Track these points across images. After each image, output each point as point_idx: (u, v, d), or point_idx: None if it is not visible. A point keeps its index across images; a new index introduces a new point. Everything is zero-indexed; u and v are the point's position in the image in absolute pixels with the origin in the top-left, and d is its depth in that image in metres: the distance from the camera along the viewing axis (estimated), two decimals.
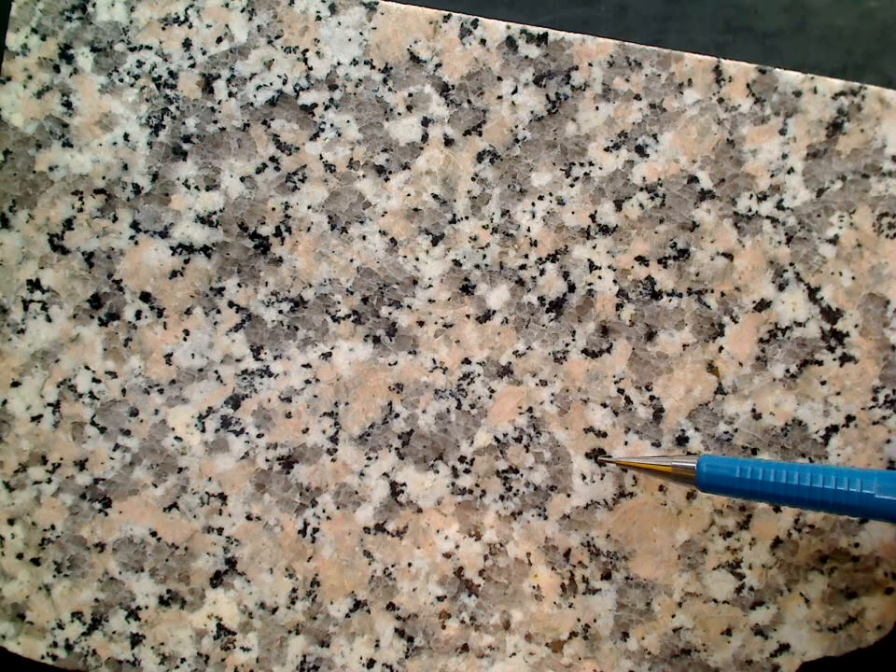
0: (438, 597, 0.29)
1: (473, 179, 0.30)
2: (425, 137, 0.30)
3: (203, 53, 0.30)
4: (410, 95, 0.30)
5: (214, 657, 0.30)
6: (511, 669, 0.29)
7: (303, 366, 0.30)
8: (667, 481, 0.27)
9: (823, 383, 0.29)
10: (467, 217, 0.30)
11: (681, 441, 0.29)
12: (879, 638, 0.29)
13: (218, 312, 0.30)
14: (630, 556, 0.29)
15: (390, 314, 0.30)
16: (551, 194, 0.29)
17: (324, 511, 0.30)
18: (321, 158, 0.30)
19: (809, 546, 0.29)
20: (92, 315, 0.30)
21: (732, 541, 0.29)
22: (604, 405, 0.29)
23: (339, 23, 0.30)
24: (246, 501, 0.30)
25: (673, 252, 0.29)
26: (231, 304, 0.30)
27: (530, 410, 0.29)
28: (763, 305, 0.29)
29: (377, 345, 0.30)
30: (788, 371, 0.29)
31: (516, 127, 0.29)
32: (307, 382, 0.30)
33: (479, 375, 0.30)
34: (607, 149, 0.29)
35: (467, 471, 0.30)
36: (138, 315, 0.30)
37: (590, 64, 0.29)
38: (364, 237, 0.30)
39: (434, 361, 0.30)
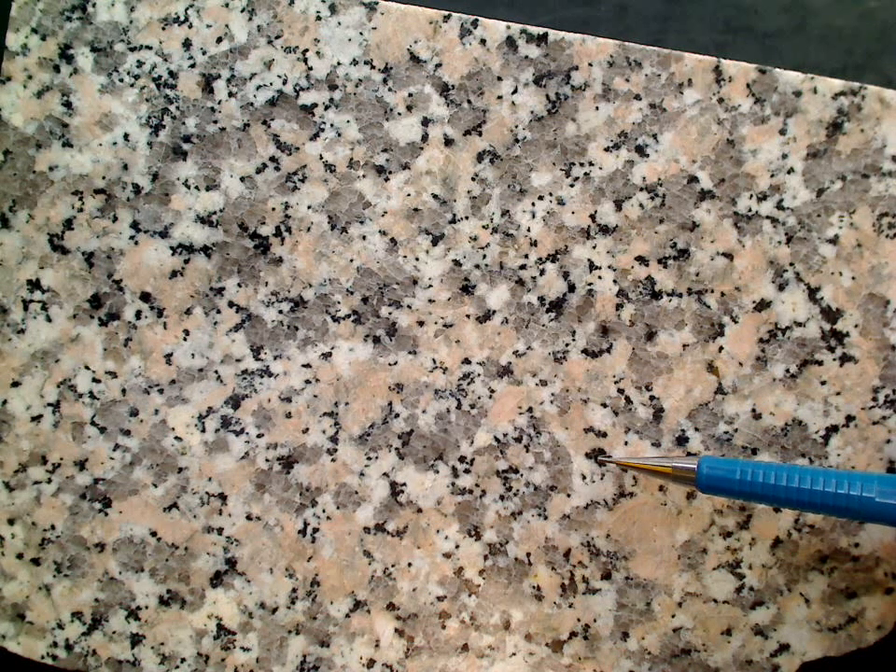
0: (438, 597, 0.29)
1: (473, 179, 0.30)
2: (425, 137, 0.30)
3: (203, 53, 0.30)
4: (410, 95, 0.30)
5: (214, 657, 0.30)
6: (510, 669, 0.29)
7: (303, 366, 0.30)
8: (667, 481, 0.27)
9: (823, 383, 0.29)
10: (467, 217, 0.30)
11: (681, 441, 0.29)
12: (879, 638, 0.29)
13: (218, 312, 0.30)
14: (630, 556, 0.29)
15: (390, 314, 0.30)
16: (551, 194, 0.29)
17: (324, 510, 0.30)
18: (321, 158, 0.30)
19: (809, 546, 0.29)
20: (92, 315, 0.30)
21: (732, 541, 0.29)
22: (604, 405, 0.29)
23: (339, 23, 0.30)
24: (246, 501, 0.30)
25: (673, 252, 0.29)
26: (231, 304, 0.30)
27: (530, 410, 0.29)
28: (762, 305, 0.29)
29: (377, 345, 0.30)
30: (788, 371, 0.29)
31: (516, 127, 0.29)
32: (307, 382, 0.30)
33: (479, 375, 0.30)
34: (607, 149, 0.29)
35: (467, 471, 0.30)
36: (138, 315, 0.30)
37: (590, 64, 0.29)
38: (364, 237, 0.30)
39: (434, 361, 0.30)
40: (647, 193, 0.29)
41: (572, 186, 0.29)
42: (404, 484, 0.30)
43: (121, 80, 0.30)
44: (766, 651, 0.29)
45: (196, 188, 0.30)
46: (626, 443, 0.29)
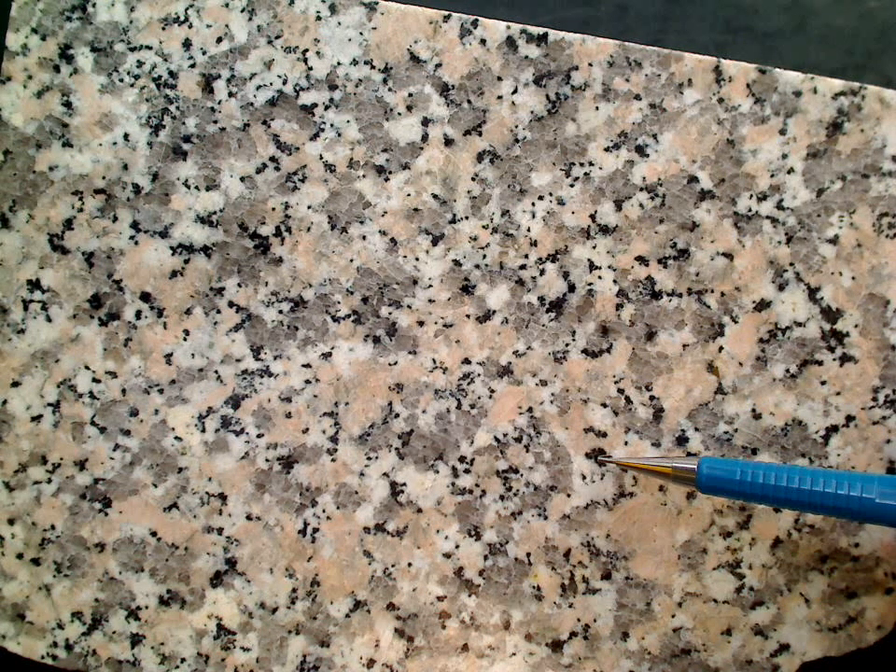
0: (438, 597, 0.29)
1: (473, 179, 0.30)
2: (425, 137, 0.30)
3: (203, 53, 0.30)
4: (410, 95, 0.30)
5: (214, 657, 0.30)
6: (510, 669, 0.29)
7: (303, 366, 0.30)
8: (667, 482, 0.27)
9: (823, 383, 0.29)
10: (467, 217, 0.30)
11: (681, 441, 0.29)
12: (879, 638, 0.29)
13: (218, 312, 0.30)
14: (630, 556, 0.29)
15: (390, 314, 0.30)
16: (551, 194, 0.29)
17: (324, 510, 0.30)
18: (321, 158, 0.30)
19: (809, 546, 0.29)
20: (92, 315, 0.30)
21: (732, 541, 0.29)
22: (604, 405, 0.29)
23: (339, 23, 0.30)
24: (246, 501, 0.30)
25: (673, 252, 0.29)
26: (231, 304, 0.30)
27: (530, 410, 0.29)
28: (762, 305, 0.29)
29: (377, 345, 0.30)
30: (788, 371, 0.29)
31: (516, 127, 0.29)
32: (307, 382, 0.30)
33: (479, 375, 0.30)
34: (607, 149, 0.29)
35: (467, 471, 0.30)
36: (138, 315, 0.30)
37: (590, 64, 0.29)
38: (364, 237, 0.30)
39: (434, 361, 0.30)
40: (647, 193, 0.29)
41: (572, 186, 0.29)
42: (404, 484, 0.30)
43: (121, 80, 0.30)
44: (766, 651, 0.29)
45: (196, 188, 0.30)
46: (626, 443, 0.29)
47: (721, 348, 0.29)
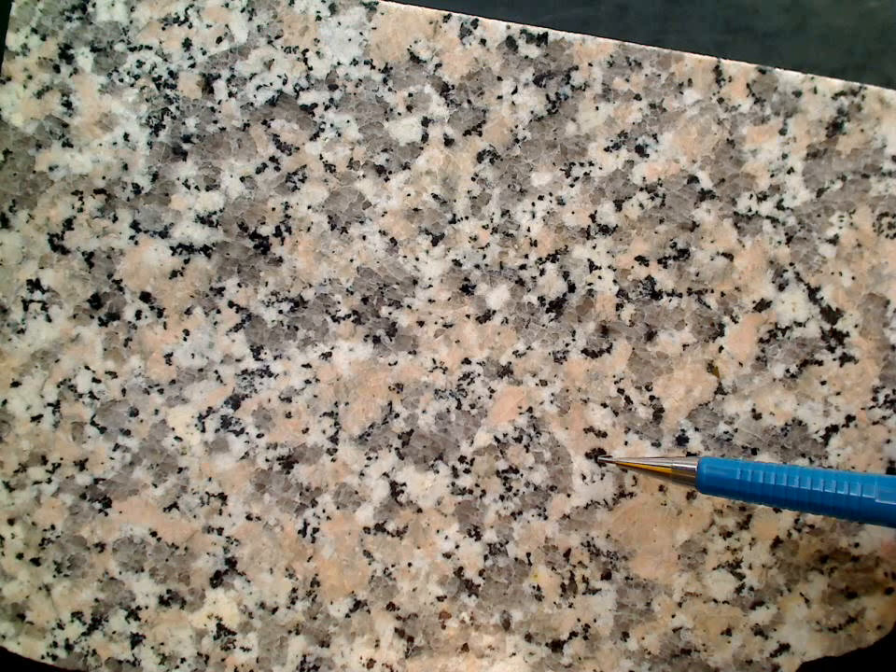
0: (438, 597, 0.29)
1: (473, 179, 0.30)
2: (425, 137, 0.30)
3: (203, 53, 0.30)
4: (410, 95, 0.30)
5: (214, 657, 0.30)
6: (510, 669, 0.29)
7: (303, 366, 0.30)
8: (667, 482, 0.27)
9: (823, 383, 0.29)
10: (467, 217, 0.30)
11: (681, 441, 0.29)
12: (879, 638, 0.29)
13: (218, 312, 0.30)
14: (630, 556, 0.29)
15: (390, 314, 0.30)
16: (551, 194, 0.29)
17: (324, 510, 0.30)
18: (321, 158, 0.30)
19: (809, 546, 0.29)
20: (92, 315, 0.30)
21: (732, 541, 0.29)
22: (604, 405, 0.29)
23: (339, 23, 0.30)
24: (246, 501, 0.30)
25: (673, 252, 0.29)
26: (231, 304, 0.30)
27: (530, 410, 0.29)
28: (762, 305, 0.29)
29: (377, 345, 0.30)
30: (788, 371, 0.29)
31: (516, 127, 0.29)
32: (307, 382, 0.30)
33: (479, 375, 0.30)
34: (607, 149, 0.29)
35: (467, 471, 0.30)
36: (138, 315, 0.30)
37: (590, 64, 0.29)
38: (364, 237, 0.30)
39: (434, 361, 0.30)
40: (647, 193, 0.29)
41: (572, 186, 0.29)
42: (404, 484, 0.30)
43: (121, 80, 0.30)
44: (766, 651, 0.29)
45: (196, 188, 0.30)
46: (626, 443, 0.29)
47: (721, 348, 0.29)
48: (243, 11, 0.30)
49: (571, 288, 0.29)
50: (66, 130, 0.30)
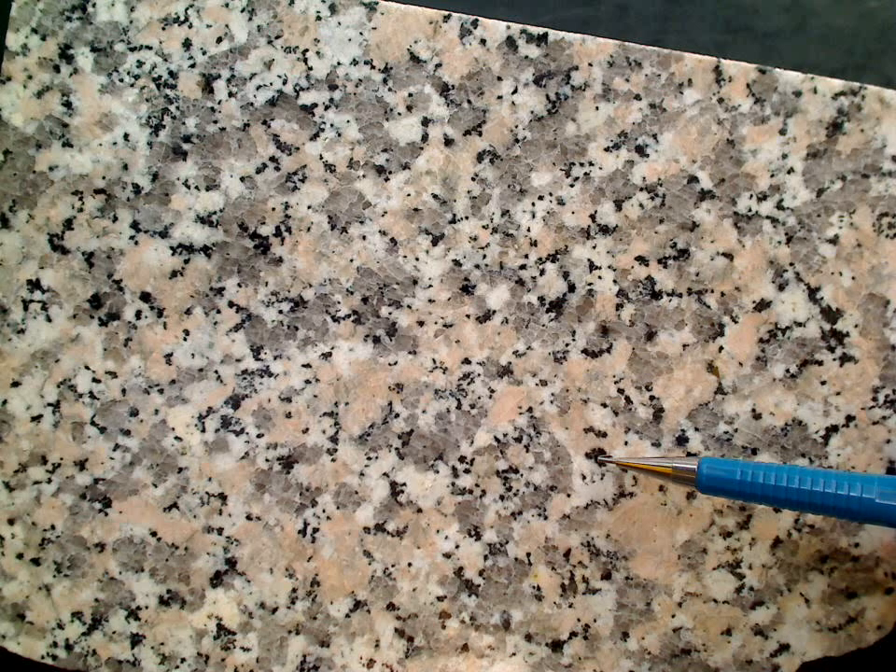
0: (438, 597, 0.29)
1: (473, 179, 0.30)
2: (425, 137, 0.30)
3: (203, 53, 0.30)
4: (410, 95, 0.30)
5: (214, 657, 0.30)
6: (510, 669, 0.29)
7: (303, 366, 0.30)
8: (667, 482, 0.27)
9: (823, 383, 0.29)
10: (467, 217, 0.30)
11: (681, 441, 0.29)
12: (879, 638, 0.29)
13: (218, 312, 0.30)
14: (630, 556, 0.29)
15: (390, 314, 0.30)
16: (551, 194, 0.29)
17: (324, 510, 0.30)
18: (321, 158, 0.30)
19: (809, 546, 0.29)
20: (92, 315, 0.30)
21: (732, 541, 0.29)
22: (604, 405, 0.29)
23: (339, 23, 0.30)
24: (246, 501, 0.30)
25: (673, 252, 0.29)
26: (231, 304, 0.30)
27: (530, 410, 0.29)
28: (762, 305, 0.29)
29: (377, 345, 0.30)
30: (788, 371, 0.29)
31: (516, 127, 0.29)
32: (307, 382, 0.30)
33: (479, 375, 0.30)
34: (607, 149, 0.29)
35: (467, 471, 0.30)
36: (138, 315, 0.30)
37: (590, 64, 0.29)
38: (364, 237, 0.30)
39: (434, 361, 0.30)
40: (647, 193, 0.29)
41: (572, 186, 0.29)
42: (404, 484, 0.30)
43: (121, 80, 0.30)
44: (766, 651, 0.29)
45: (196, 188, 0.30)
46: (626, 443, 0.29)
47: (721, 348, 0.29)
48: (243, 11, 0.30)
49: (571, 288, 0.29)
50: (66, 130, 0.30)
